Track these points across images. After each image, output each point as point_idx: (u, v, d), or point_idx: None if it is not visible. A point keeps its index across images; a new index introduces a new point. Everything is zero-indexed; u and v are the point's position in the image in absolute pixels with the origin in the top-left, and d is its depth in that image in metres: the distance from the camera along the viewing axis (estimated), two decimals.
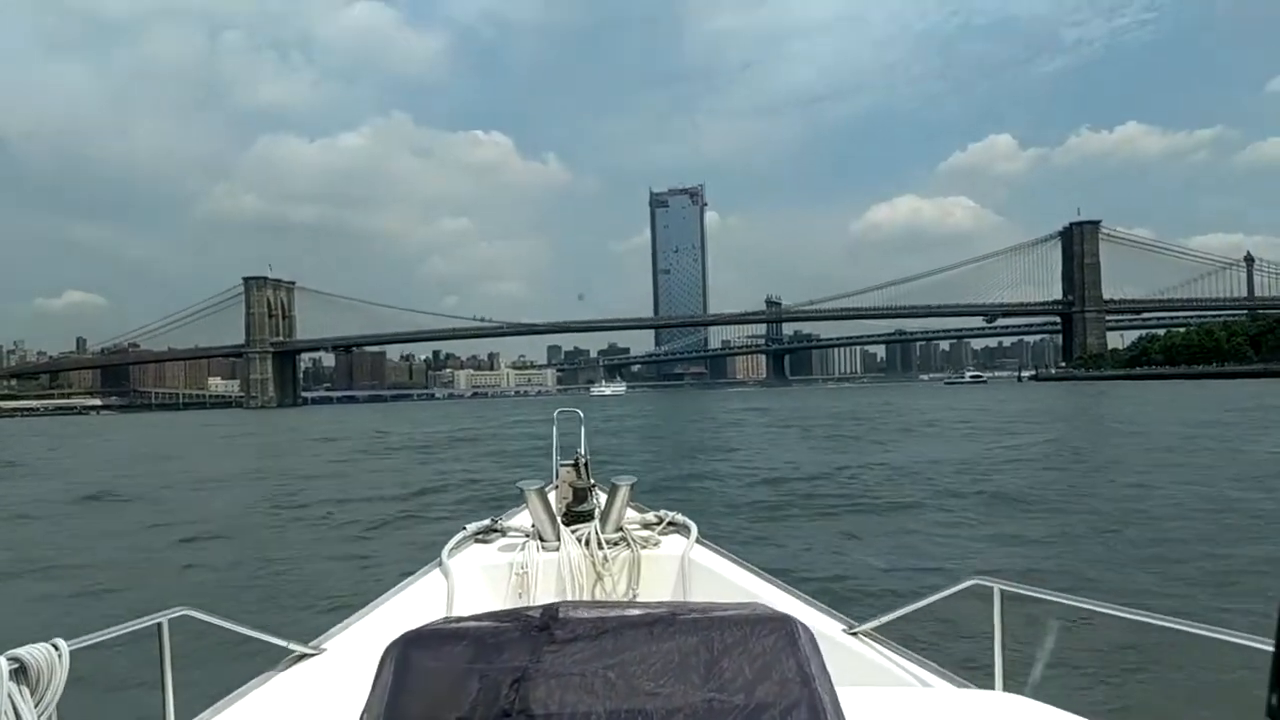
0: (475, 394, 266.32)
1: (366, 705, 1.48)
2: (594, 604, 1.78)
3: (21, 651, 2.02)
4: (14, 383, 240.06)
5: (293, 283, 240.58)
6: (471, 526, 4.26)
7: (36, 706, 1.99)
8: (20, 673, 1.99)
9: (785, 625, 1.53)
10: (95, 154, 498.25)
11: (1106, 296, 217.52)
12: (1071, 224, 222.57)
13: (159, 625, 2.41)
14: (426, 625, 1.63)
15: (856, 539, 11.00)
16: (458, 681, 1.44)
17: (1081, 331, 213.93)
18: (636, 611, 1.59)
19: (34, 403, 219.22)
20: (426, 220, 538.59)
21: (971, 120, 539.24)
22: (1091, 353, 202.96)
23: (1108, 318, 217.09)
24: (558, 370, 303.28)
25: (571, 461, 4.47)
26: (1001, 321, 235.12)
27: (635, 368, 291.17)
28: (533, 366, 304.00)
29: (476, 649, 1.49)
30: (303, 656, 2.85)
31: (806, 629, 1.55)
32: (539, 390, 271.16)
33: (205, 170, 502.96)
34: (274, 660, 2.83)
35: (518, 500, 4.28)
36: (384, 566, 9.65)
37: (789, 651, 1.47)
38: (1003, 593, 2.47)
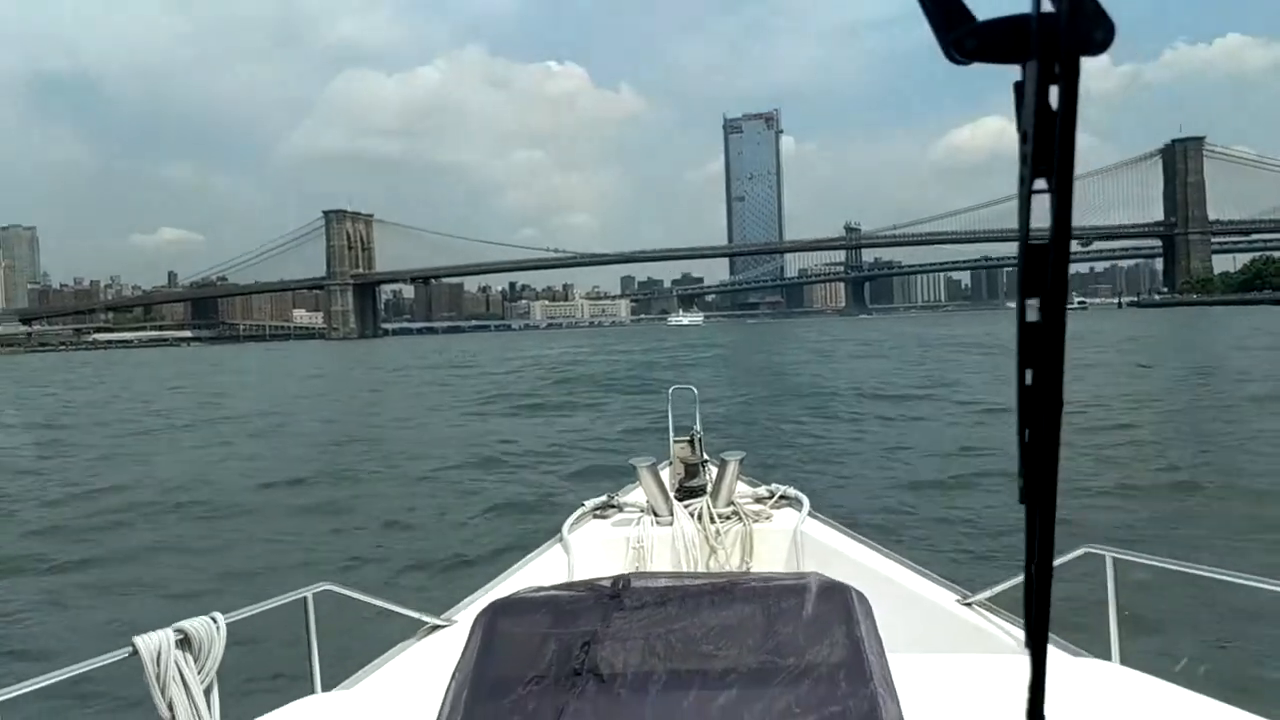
0: (550, 325, 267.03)
1: (457, 666, 1.59)
2: (664, 574, 1.89)
3: (185, 624, 2.22)
4: (110, 316, 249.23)
5: (371, 215, 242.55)
6: (590, 502, 4.44)
7: (199, 673, 2.19)
8: (184, 643, 2.19)
9: (839, 593, 1.59)
10: (185, 93, 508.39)
11: (1211, 217, 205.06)
12: (1173, 141, 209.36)
13: (304, 599, 2.57)
14: (514, 594, 1.74)
15: None
16: (537, 645, 1.55)
17: (1185, 255, 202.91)
18: (700, 581, 1.69)
19: (129, 335, 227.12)
20: (502, 152, 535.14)
21: None
22: (1198, 277, 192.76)
23: (1213, 240, 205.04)
24: (631, 300, 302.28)
25: (686, 438, 4.51)
26: (1097, 245, 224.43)
27: (710, 297, 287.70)
28: (607, 297, 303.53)
29: (555, 615, 1.61)
30: (435, 628, 3.02)
31: (861, 596, 1.61)
32: (613, 320, 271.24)
33: (288, 107, 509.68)
34: (409, 630, 3.01)
35: (632, 476, 4.43)
36: None
37: (840, 617, 1.55)
38: (1115, 561, 2.44)
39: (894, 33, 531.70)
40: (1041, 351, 0.51)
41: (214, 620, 2.27)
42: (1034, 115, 0.51)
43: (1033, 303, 0.52)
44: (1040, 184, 0.50)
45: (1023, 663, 2.85)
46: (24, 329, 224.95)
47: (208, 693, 2.22)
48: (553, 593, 1.71)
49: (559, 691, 1.46)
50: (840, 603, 1.57)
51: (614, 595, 1.62)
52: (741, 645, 1.51)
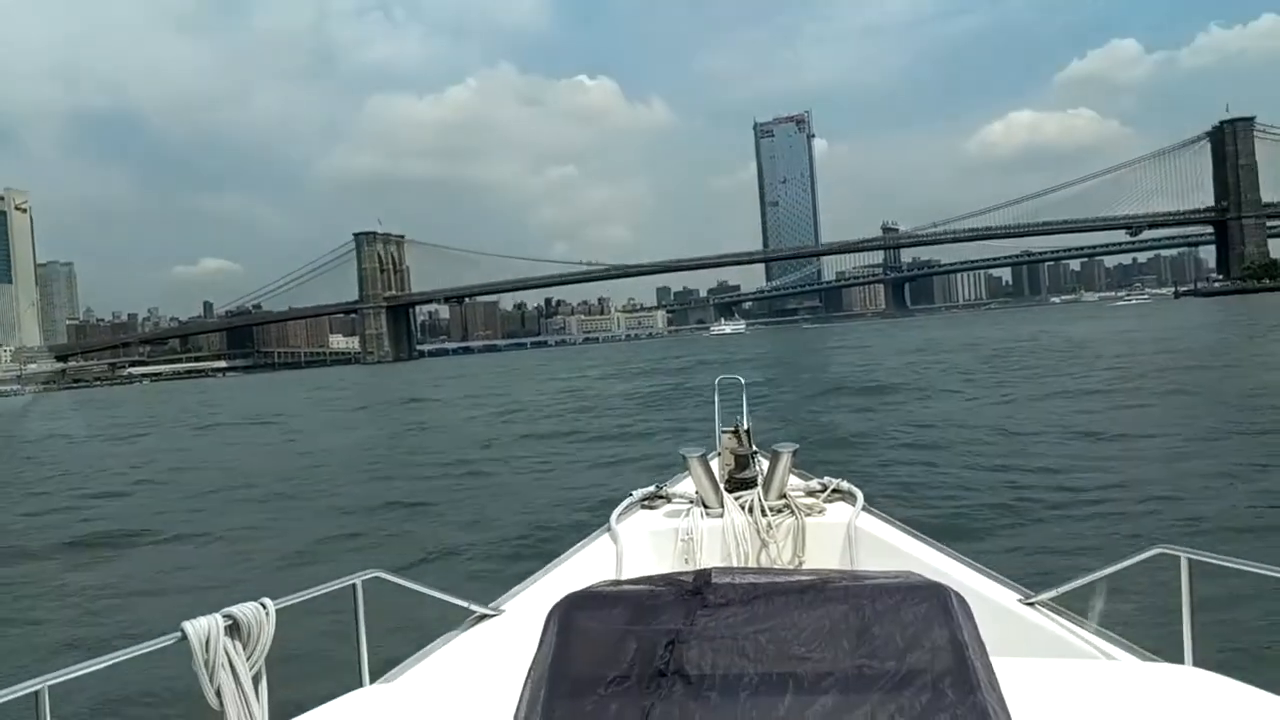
0: (587, 339, 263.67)
1: (533, 661, 1.56)
2: (747, 570, 1.82)
3: (234, 609, 2.20)
4: (146, 349, 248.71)
5: (402, 236, 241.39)
6: (638, 493, 4.37)
7: (248, 659, 2.19)
8: (233, 629, 2.18)
9: (938, 594, 1.52)
10: (222, 126, 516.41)
11: (1265, 200, 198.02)
12: (1222, 123, 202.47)
13: (353, 586, 2.56)
14: (588, 587, 1.68)
15: None
16: (616, 641, 1.50)
17: (1239, 240, 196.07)
18: (787, 578, 1.62)
19: (161, 367, 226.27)
20: (535, 169, 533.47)
21: (1089, 28, 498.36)
22: (1256, 263, 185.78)
23: (1269, 223, 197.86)
24: (668, 311, 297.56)
25: (732, 429, 4.42)
26: (1144, 234, 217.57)
27: (746, 305, 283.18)
28: (642, 309, 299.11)
29: (634, 611, 1.56)
30: (483, 617, 3.02)
31: (960, 597, 1.54)
32: (649, 332, 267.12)
33: (322, 133, 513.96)
34: (457, 619, 3.00)
35: (681, 466, 4.34)
36: None
37: (941, 619, 1.47)
38: (1191, 562, 2.37)
39: (922, 31, 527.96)
40: None
41: (263, 606, 2.25)
42: None
43: None
44: None
45: (1093, 667, 2.29)
46: (58, 365, 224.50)
47: (256, 681, 2.20)
48: (630, 586, 1.67)
49: (644, 693, 1.41)
50: (939, 603, 1.50)
51: (696, 591, 1.57)
52: (836, 648, 1.44)
